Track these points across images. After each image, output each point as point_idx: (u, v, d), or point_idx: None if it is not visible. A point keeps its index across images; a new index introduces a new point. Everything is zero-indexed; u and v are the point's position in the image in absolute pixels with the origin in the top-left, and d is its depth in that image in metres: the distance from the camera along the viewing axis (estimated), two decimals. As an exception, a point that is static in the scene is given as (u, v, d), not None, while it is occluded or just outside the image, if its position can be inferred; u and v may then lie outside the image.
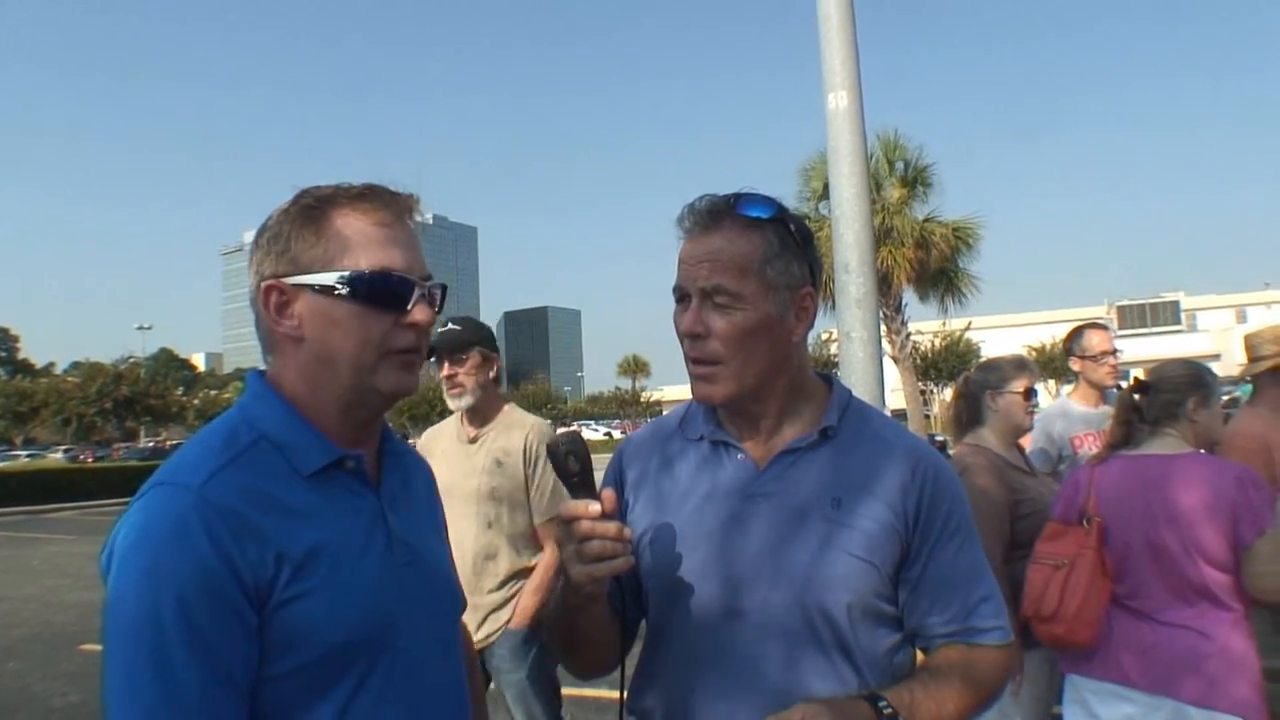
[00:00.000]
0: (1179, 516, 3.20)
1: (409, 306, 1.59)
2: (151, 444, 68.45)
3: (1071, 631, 3.33)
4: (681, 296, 1.81)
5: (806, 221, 1.91)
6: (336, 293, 1.54)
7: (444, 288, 1.67)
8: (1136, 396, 3.47)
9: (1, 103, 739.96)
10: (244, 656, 1.41)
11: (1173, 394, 3.40)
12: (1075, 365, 5.35)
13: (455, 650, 1.77)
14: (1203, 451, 3.42)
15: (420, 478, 1.85)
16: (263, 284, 1.57)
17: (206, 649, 1.36)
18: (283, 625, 1.44)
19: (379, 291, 1.56)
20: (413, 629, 1.60)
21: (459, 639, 1.81)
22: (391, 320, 1.58)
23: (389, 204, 1.61)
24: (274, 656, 1.44)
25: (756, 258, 1.75)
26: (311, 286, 1.54)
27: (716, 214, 1.78)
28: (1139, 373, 3.55)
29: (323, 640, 1.46)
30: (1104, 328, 5.48)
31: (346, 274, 1.54)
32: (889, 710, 1.64)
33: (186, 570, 1.36)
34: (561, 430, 1.84)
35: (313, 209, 1.57)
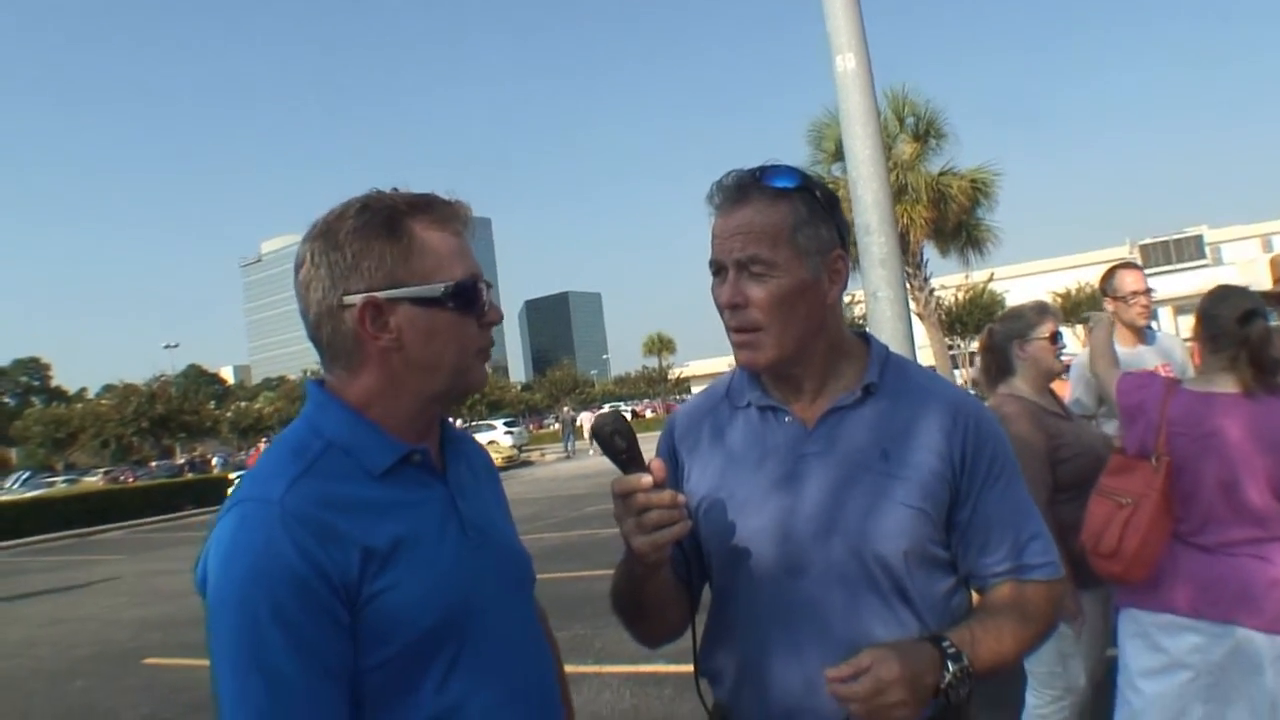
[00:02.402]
0: (1251, 453, 3.21)
1: (486, 308, 1.68)
2: (185, 460, 68.96)
3: (1128, 570, 3.35)
4: (718, 270, 1.86)
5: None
6: (440, 303, 1.61)
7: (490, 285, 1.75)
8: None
9: (15, 136, 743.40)
10: (340, 652, 1.49)
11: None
12: (1109, 306, 5.34)
13: (535, 624, 1.85)
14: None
15: (480, 461, 1.91)
16: (350, 299, 1.59)
17: (305, 647, 1.44)
18: (374, 618, 1.51)
19: (470, 298, 1.64)
20: (494, 608, 1.68)
21: (536, 612, 1.89)
22: (475, 323, 1.66)
23: (457, 213, 1.68)
24: (369, 648, 1.52)
25: (787, 226, 1.81)
26: (412, 299, 1.60)
27: (744, 188, 1.84)
28: (1168, 311, 3.51)
29: (412, 628, 1.53)
30: (1136, 267, 5.46)
31: (450, 286, 1.61)
32: (952, 649, 1.71)
33: (278, 579, 1.43)
34: (603, 411, 1.90)
35: (393, 222, 1.61)
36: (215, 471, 51.20)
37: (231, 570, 1.45)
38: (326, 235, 1.62)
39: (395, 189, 1.67)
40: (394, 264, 1.59)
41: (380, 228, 1.60)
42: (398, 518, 1.58)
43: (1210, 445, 3.29)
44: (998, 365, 4.29)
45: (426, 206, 1.65)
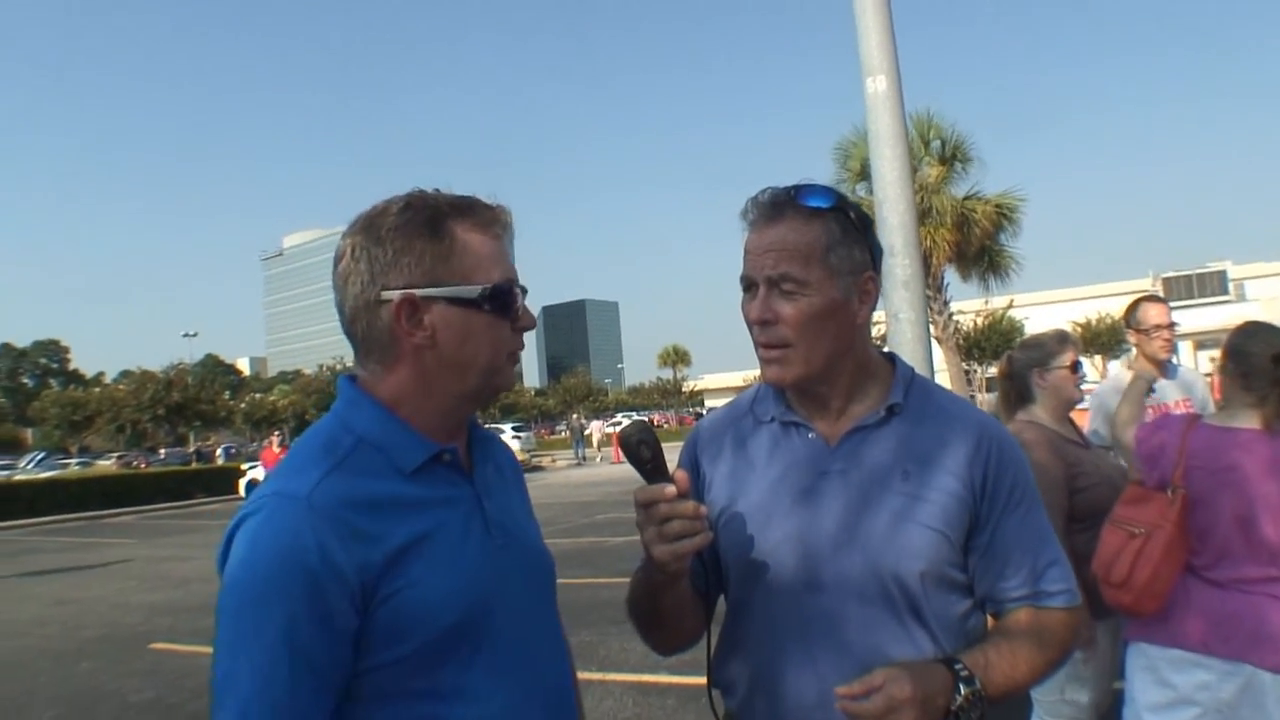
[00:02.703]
0: (1270, 490, 3.18)
1: (520, 312, 1.71)
2: (194, 449, 69.18)
3: (1138, 601, 3.32)
4: (749, 286, 1.88)
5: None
6: (476, 304, 1.64)
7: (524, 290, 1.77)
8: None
9: (38, 119, 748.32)
10: (337, 659, 1.51)
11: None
12: (1132, 338, 5.35)
13: (555, 626, 1.87)
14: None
15: (507, 462, 1.94)
16: (388, 294, 1.61)
17: (300, 649, 1.46)
18: (393, 614, 1.53)
19: (505, 301, 1.67)
20: (515, 608, 1.70)
21: (557, 614, 1.91)
22: (509, 325, 1.69)
23: (497, 217, 1.71)
24: (387, 644, 1.54)
25: (820, 246, 1.82)
26: (448, 299, 1.63)
27: (779, 205, 1.86)
28: (1188, 345, 3.50)
29: (432, 625, 1.56)
30: (1160, 300, 5.45)
31: (487, 288, 1.64)
32: (965, 672, 1.72)
33: (293, 580, 1.46)
34: (630, 421, 1.91)
35: (435, 222, 1.64)
36: (219, 462, 51.30)
37: (251, 561, 1.48)
38: (369, 230, 1.64)
39: (438, 190, 1.70)
40: (433, 263, 1.62)
41: (422, 226, 1.63)
42: (424, 515, 1.61)
43: (1228, 480, 3.26)
44: (1017, 393, 4.29)
45: (469, 209, 1.68)
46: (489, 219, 1.69)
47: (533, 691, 1.69)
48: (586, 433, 53.94)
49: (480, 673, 1.62)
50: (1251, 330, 3.45)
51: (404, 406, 1.66)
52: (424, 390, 1.67)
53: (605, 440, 53.09)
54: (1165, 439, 3.47)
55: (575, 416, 57.87)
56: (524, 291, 1.73)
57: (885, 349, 2.13)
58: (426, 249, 1.62)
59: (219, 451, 61.77)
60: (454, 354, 1.65)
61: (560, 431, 78.75)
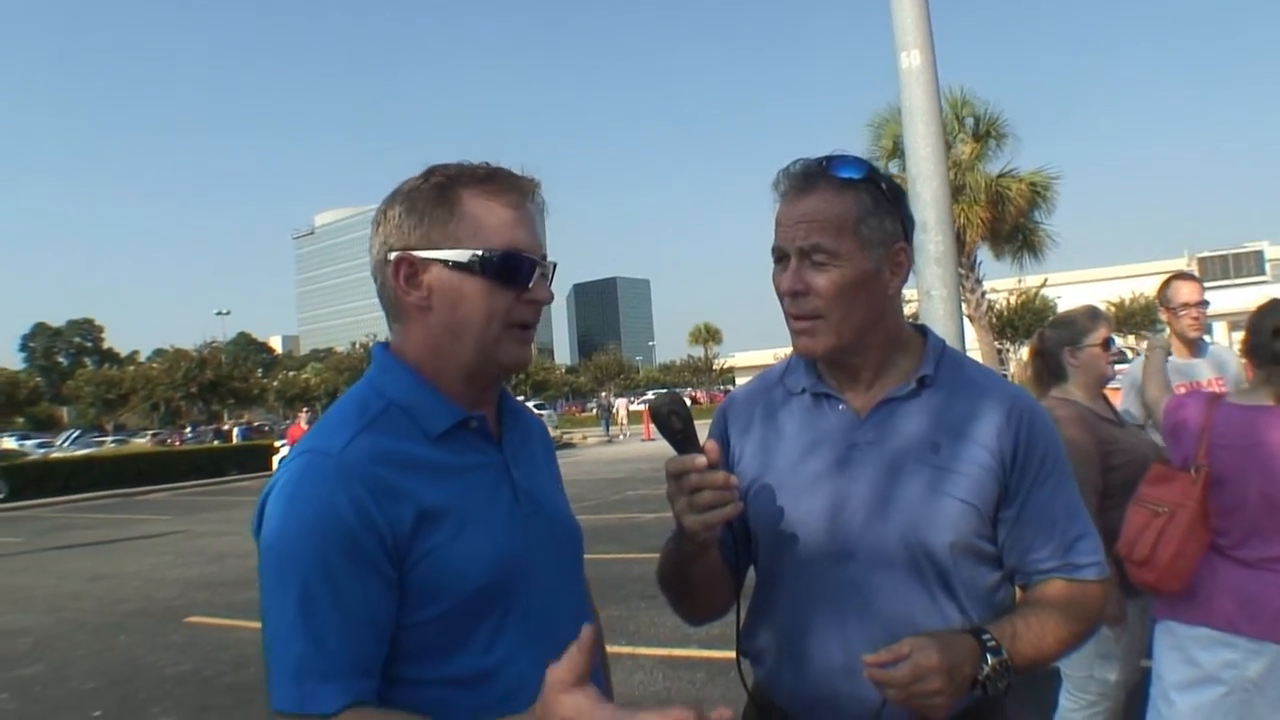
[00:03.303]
0: None
1: (530, 284, 1.70)
2: (212, 428, 69.45)
3: (1161, 580, 3.32)
4: (780, 257, 1.89)
5: (887, 179, 1.98)
6: (469, 269, 1.65)
7: (554, 265, 1.78)
8: None
9: (72, 101, 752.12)
10: (384, 606, 1.54)
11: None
12: (1163, 316, 5.33)
13: (582, 593, 1.89)
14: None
15: (537, 433, 1.95)
16: (391, 254, 1.67)
17: (347, 599, 1.49)
18: (424, 576, 1.56)
19: (507, 269, 1.66)
20: (542, 574, 1.72)
21: (584, 582, 1.93)
22: (514, 296, 1.69)
23: (516, 186, 1.72)
24: (418, 605, 1.57)
25: (851, 216, 1.82)
26: (443, 261, 1.65)
27: (811, 176, 1.86)
28: (1223, 325, 3.46)
29: (461, 588, 1.58)
30: (1193, 278, 5.42)
31: (479, 251, 1.65)
32: (992, 642, 1.72)
33: (330, 532, 1.49)
34: (661, 392, 1.92)
35: (445, 187, 1.67)
36: (234, 441, 51.44)
37: (287, 518, 1.52)
38: (391, 197, 1.72)
39: (485, 163, 1.72)
40: (432, 225, 1.66)
41: (431, 190, 1.67)
42: (452, 480, 1.63)
43: (1254, 458, 3.25)
44: (1049, 370, 4.27)
45: (486, 177, 1.69)
46: (505, 187, 1.70)
47: (557, 656, 1.70)
48: (614, 409, 54.01)
49: (508, 636, 1.64)
50: (1266, 308, 3.42)
51: (426, 368, 1.70)
52: (433, 354, 1.69)
53: (632, 417, 53.28)
54: (1186, 416, 3.47)
55: (603, 394, 57.90)
56: (543, 264, 1.73)
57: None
58: (429, 212, 1.66)
59: (235, 431, 61.81)
60: (447, 318, 1.67)
61: (591, 409, 78.79)
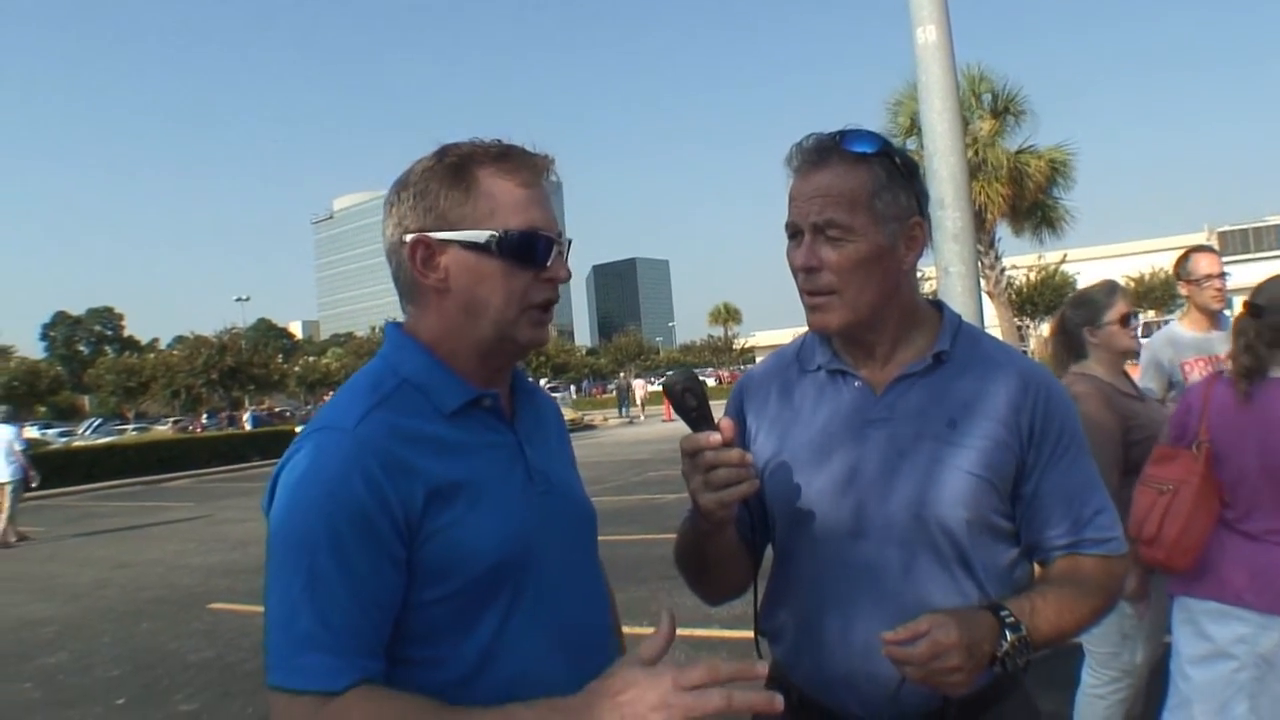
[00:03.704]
0: None
1: (548, 263, 1.68)
2: (226, 415, 69.28)
3: (1170, 557, 3.34)
4: (794, 233, 1.87)
5: (904, 155, 1.96)
6: (486, 249, 1.63)
7: (570, 241, 1.76)
8: (1252, 321, 3.34)
9: (92, 89, 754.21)
10: (391, 588, 1.52)
11: None
12: (1183, 290, 5.28)
13: (597, 571, 1.88)
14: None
15: (550, 413, 1.94)
16: (407, 236, 1.65)
17: (356, 577, 1.47)
18: (435, 553, 1.54)
19: (525, 249, 1.65)
20: (555, 554, 1.70)
21: (599, 561, 1.91)
22: (532, 276, 1.67)
23: (530, 164, 1.69)
24: (430, 583, 1.55)
25: (866, 191, 1.80)
26: (460, 242, 1.63)
27: (824, 151, 1.84)
28: (1242, 299, 3.46)
29: (473, 566, 1.57)
30: (1212, 251, 5.39)
31: (497, 232, 1.63)
32: (1010, 619, 1.70)
33: (340, 507, 1.47)
34: (675, 369, 1.90)
35: (459, 167, 1.65)
36: (246, 428, 51.27)
37: (298, 495, 1.50)
38: (406, 177, 1.69)
39: (497, 140, 1.70)
40: (448, 206, 1.64)
41: (446, 170, 1.65)
42: (465, 458, 1.62)
43: (1251, 432, 3.26)
44: (1069, 348, 4.25)
45: (500, 156, 1.67)
46: (519, 165, 1.68)
47: (566, 636, 1.69)
48: (631, 390, 54.11)
49: (519, 615, 1.62)
50: (1262, 284, 3.43)
51: (441, 348, 1.68)
52: (448, 333, 1.68)
53: (649, 399, 53.45)
54: (1191, 401, 3.50)
55: (621, 376, 58.07)
56: (560, 242, 1.71)
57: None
58: (444, 192, 1.64)
59: (246, 418, 61.70)
60: (466, 299, 1.65)
61: (611, 390, 78.91)
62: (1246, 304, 3.40)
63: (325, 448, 1.53)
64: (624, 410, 50.84)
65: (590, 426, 43.70)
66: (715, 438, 1.69)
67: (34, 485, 17.61)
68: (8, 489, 16.94)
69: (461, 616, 1.58)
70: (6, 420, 17.88)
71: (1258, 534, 3.25)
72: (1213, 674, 3.31)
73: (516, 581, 1.63)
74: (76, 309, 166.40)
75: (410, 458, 1.55)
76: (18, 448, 17.12)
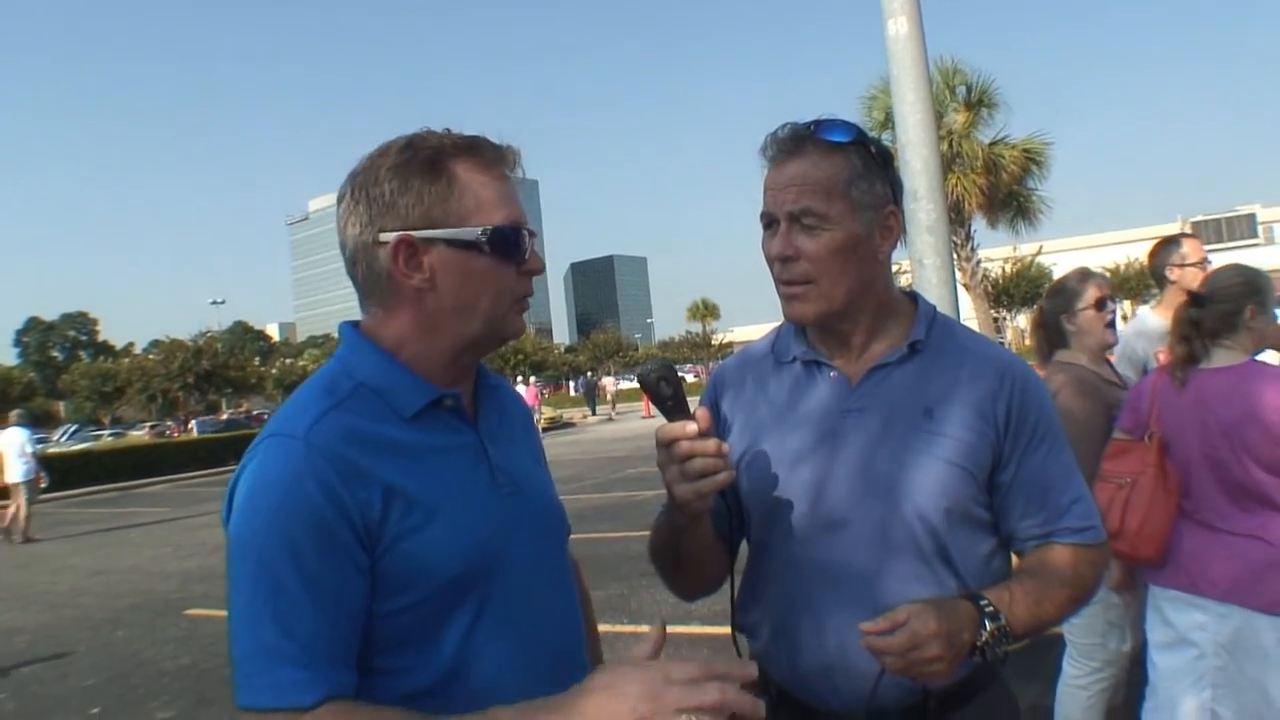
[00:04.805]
0: (1233, 426, 3.20)
1: (526, 255, 1.65)
2: (207, 419, 68.60)
3: (1135, 549, 3.38)
4: (769, 222, 1.85)
5: (878, 147, 1.94)
6: (476, 247, 1.58)
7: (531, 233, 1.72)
8: (1193, 311, 3.39)
9: (63, 91, 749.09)
10: (354, 592, 1.47)
11: (1228, 303, 3.34)
12: (1173, 275, 5.25)
13: (566, 574, 1.82)
14: (1258, 358, 3.38)
15: (516, 410, 1.89)
16: (386, 236, 1.57)
17: (317, 587, 1.43)
18: (396, 562, 1.49)
19: (509, 244, 1.61)
20: (522, 556, 1.65)
21: (569, 563, 1.87)
22: (514, 270, 1.64)
23: (503, 157, 1.65)
24: (392, 593, 1.50)
25: (841, 179, 1.79)
26: (447, 240, 1.58)
27: (799, 140, 1.83)
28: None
29: (435, 577, 1.52)
30: (1195, 238, 5.41)
31: (488, 229, 1.58)
32: (990, 608, 1.70)
33: (297, 516, 1.43)
34: (650, 359, 1.88)
35: (434, 162, 1.59)
36: (194, 434, 50.62)
37: (254, 504, 1.46)
38: (368, 171, 1.61)
39: (447, 130, 1.65)
40: (431, 204, 1.58)
41: (421, 166, 1.58)
42: (425, 461, 1.57)
43: (1192, 419, 3.31)
44: (1050, 341, 4.27)
45: (472, 148, 1.62)
46: (493, 159, 1.64)
47: (533, 644, 1.65)
48: (598, 387, 54.18)
49: (489, 624, 1.58)
50: (1210, 274, 3.54)
51: (405, 350, 1.63)
52: (427, 335, 1.62)
53: (619, 396, 53.85)
54: (1142, 389, 3.56)
55: (589, 374, 58.20)
56: (532, 235, 1.67)
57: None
58: (425, 189, 1.58)
59: (192, 425, 60.83)
60: (454, 298, 1.60)
61: (579, 390, 78.70)
62: (1189, 294, 3.47)
63: (276, 455, 1.49)
64: (594, 409, 50.78)
65: (570, 425, 43.68)
66: (691, 427, 1.67)
67: (43, 486, 18.00)
68: (22, 488, 17.66)
69: (425, 626, 1.54)
70: (21, 423, 18.46)
71: (1211, 523, 3.29)
72: (1177, 660, 3.36)
73: (485, 587, 1.58)
74: (50, 314, 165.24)
75: (366, 463, 1.50)
76: (29, 449, 17.88)
